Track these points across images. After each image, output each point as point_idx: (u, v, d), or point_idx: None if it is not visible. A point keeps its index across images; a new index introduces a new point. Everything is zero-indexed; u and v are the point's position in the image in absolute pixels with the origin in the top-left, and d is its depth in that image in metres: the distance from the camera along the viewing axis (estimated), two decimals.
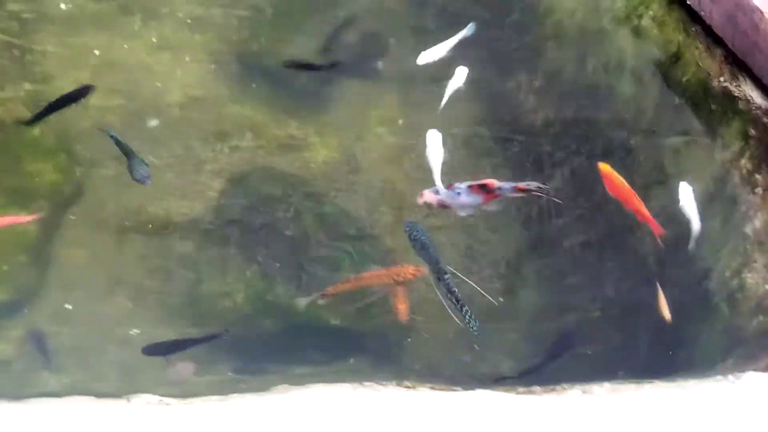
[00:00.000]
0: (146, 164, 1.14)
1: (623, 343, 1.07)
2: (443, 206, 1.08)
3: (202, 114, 1.35)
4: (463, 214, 1.11)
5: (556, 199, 1.15)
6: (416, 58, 1.42)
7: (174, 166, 1.29)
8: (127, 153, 1.14)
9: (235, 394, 0.62)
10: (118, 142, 1.14)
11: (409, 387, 0.55)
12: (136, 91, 1.34)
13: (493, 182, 1.07)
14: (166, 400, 0.67)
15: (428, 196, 1.09)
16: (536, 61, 1.44)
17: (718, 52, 1.05)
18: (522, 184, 1.06)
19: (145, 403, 0.68)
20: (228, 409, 0.55)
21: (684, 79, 1.12)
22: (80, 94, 1.24)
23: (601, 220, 1.26)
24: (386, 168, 1.37)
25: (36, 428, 0.68)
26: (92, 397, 0.74)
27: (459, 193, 1.07)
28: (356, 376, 1.09)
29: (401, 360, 1.20)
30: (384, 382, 0.53)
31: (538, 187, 1.06)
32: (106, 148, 1.22)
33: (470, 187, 1.07)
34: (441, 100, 1.36)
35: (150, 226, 1.22)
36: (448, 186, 1.08)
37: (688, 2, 1.11)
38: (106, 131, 1.17)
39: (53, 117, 1.23)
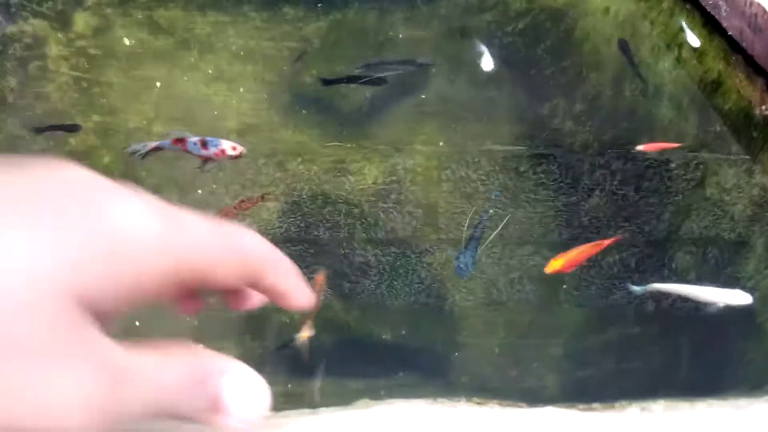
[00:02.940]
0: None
1: (667, 361, 1.10)
2: None
3: (256, 140, 1.43)
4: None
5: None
6: (453, 84, 1.48)
7: (230, 190, 1.36)
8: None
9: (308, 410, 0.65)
10: None
11: (479, 403, 0.60)
12: (195, 119, 1.41)
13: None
14: None
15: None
16: (574, 86, 1.49)
17: (760, 81, 1.09)
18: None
19: None
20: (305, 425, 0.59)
21: (725, 107, 1.15)
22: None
23: (640, 240, 1.30)
24: (429, 189, 1.42)
25: None
26: None
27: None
28: (405, 390, 1.14)
29: (448, 374, 1.24)
30: (457, 398, 0.58)
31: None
32: (167, 174, 1.29)
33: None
34: (477, 123, 1.42)
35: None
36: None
37: (729, 33, 1.14)
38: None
39: (122, 146, 1.31)
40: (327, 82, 1.49)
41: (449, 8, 1.79)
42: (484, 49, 1.42)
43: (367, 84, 1.50)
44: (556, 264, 1.06)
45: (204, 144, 1.16)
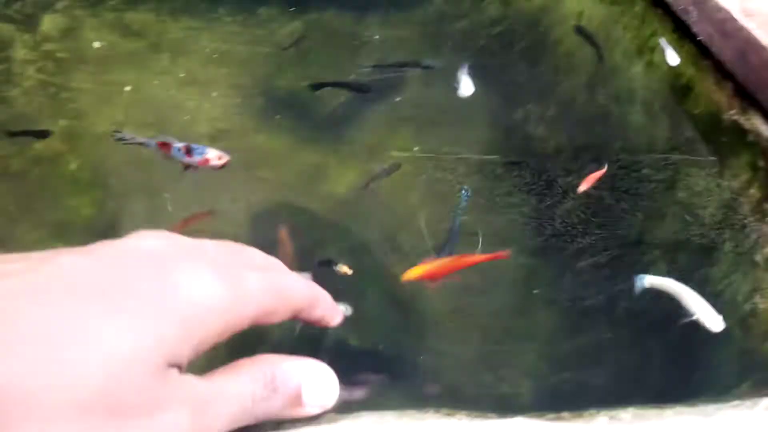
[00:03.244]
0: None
1: (638, 365, 1.11)
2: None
3: (229, 145, 1.41)
4: None
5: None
6: (428, 89, 1.48)
7: (201, 197, 1.34)
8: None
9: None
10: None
11: (449, 414, 0.59)
12: (166, 124, 1.39)
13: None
14: None
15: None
16: (548, 91, 1.50)
17: (728, 86, 1.10)
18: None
19: None
20: None
21: (696, 111, 1.16)
22: None
23: (612, 244, 1.30)
24: (404, 195, 1.42)
25: None
26: None
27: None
28: (374, 402, 1.13)
29: (420, 383, 1.23)
30: (425, 410, 0.57)
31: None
32: (138, 181, 1.27)
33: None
34: (452, 127, 1.41)
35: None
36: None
37: (699, 38, 1.15)
38: None
39: (89, 151, 1.29)
40: (316, 87, 1.48)
41: (425, 14, 1.79)
42: (465, 74, 1.42)
43: (353, 90, 1.49)
44: (414, 272, 1.04)
45: (189, 151, 1.15)
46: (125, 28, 1.52)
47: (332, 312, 0.37)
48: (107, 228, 1.29)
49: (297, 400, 0.31)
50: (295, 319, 0.35)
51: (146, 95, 1.43)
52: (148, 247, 0.31)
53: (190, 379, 0.29)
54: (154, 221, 1.25)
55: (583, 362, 1.17)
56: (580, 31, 1.47)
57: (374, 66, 1.49)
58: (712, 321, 0.91)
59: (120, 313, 0.28)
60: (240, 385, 0.30)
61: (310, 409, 0.32)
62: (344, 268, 1.13)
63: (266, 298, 0.32)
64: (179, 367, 0.29)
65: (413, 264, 1.30)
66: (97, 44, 1.46)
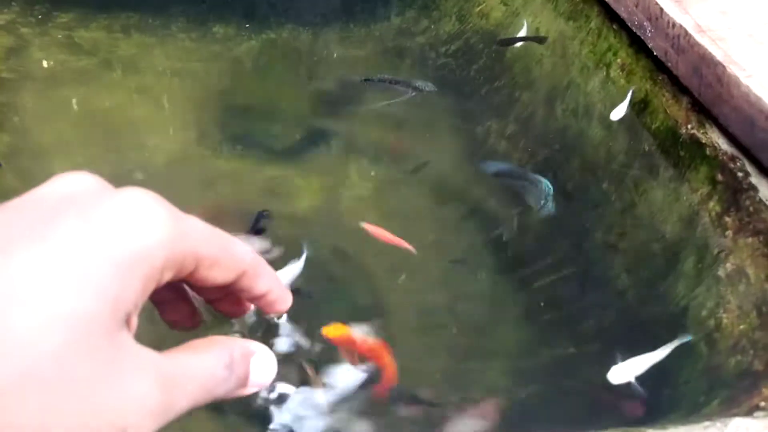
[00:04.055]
0: None
1: (604, 382, 1.10)
2: None
3: (184, 164, 1.37)
4: None
5: None
6: (387, 107, 1.47)
7: None
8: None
9: None
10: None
11: None
12: (118, 142, 1.35)
13: None
14: None
15: None
16: (507, 107, 1.50)
17: (685, 100, 1.11)
18: None
19: None
20: None
21: (653, 126, 1.17)
22: None
23: (577, 259, 1.30)
24: (366, 212, 1.40)
25: None
26: None
27: None
28: (344, 425, 1.10)
29: (388, 402, 1.21)
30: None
31: None
32: None
33: None
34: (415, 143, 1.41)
35: None
36: None
37: (654, 53, 1.16)
38: None
39: (36, 171, 1.23)
40: (368, 81, 1.44)
41: (383, 30, 1.78)
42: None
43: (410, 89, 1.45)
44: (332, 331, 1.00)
45: None
46: (75, 46, 1.47)
47: (281, 291, 0.34)
48: None
49: (245, 380, 0.31)
50: (238, 289, 0.32)
51: (97, 113, 1.38)
52: (70, 185, 0.27)
53: (149, 351, 0.27)
54: None
55: (548, 379, 1.16)
56: (504, 42, 1.47)
57: (365, 79, 1.47)
58: (680, 340, 0.91)
59: (48, 264, 0.24)
60: (204, 365, 0.29)
61: (252, 388, 0.32)
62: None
63: (210, 238, 0.30)
64: (129, 326, 0.26)
65: (374, 282, 1.28)
66: (45, 63, 1.41)
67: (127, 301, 0.26)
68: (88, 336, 0.24)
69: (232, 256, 0.31)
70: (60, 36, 1.56)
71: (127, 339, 0.26)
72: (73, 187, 0.27)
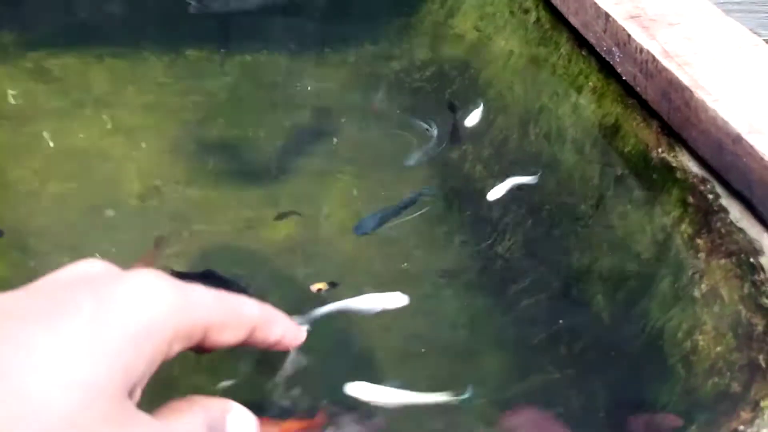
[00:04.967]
0: None
1: (584, 405, 1.11)
2: None
3: (159, 197, 1.36)
4: None
5: None
6: (364, 132, 1.47)
7: (133, 252, 1.28)
8: None
9: None
10: None
11: None
12: (92, 177, 1.33)
13: None
14: None
15: None
16: (481, 130, 1.51)
17: (655, 124, 1.13)
18: None
19: None
20: None
21: (625, 149, 1.19)
22: None
23: (554, 283, 1.31)
24: (343, 241, 1.39)
25: None
26: None
27: None
28: None
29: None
30: None
31: None
32: (59, 240, 1.20)
33: None
34: (391, 170, 1.41)
35: None
36: None
37: (624, 78, 1.19)
38: None
39: (5, 210, 1.21)
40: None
41: (359, 56, 1.80)
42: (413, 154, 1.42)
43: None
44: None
45: None
46: (46, 78, 1.46)
47: (294, 330, 0.38)
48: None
49: None
50: (252, 343, 0.36)
51: (70, 147, 1.36)
52: (82, 270, 0.32)
53: (146, 416, 0.30)
54: None
55: (531, 404, 1.16)
56: (452, 106, 1.48)
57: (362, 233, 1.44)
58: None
59: (64, 336, 0.27)
60: (189, 429, 0.31)
61: None
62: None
63: (216, 305, 0.33)
64: (133, 396, 0.29)
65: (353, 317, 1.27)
66: (13, 99, 1.40)
67: (136, 371, 0.28)
68: (101, 401, 0.27)
69: (239, 317, 0.34)
70: (30, 67, 1.55)
71: (132, 405, 0.29)
72: (86, 271, 0.32)
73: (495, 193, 1.37)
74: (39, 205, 1.26)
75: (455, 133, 1.47)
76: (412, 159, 1.43)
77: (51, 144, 1.36)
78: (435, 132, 1.48)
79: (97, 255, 1.24)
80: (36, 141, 1.36)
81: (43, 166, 1.31)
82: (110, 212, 1.30)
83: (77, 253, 1.20)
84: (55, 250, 1.23)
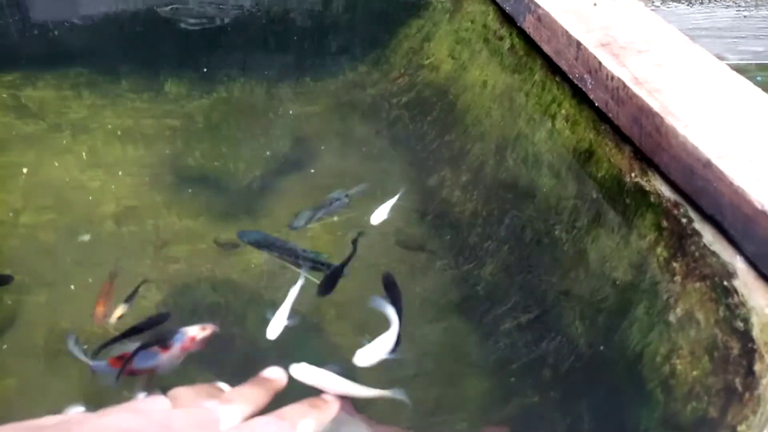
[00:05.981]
0: None
1: (567, 430, 1.11)
2: None
3: (137, 226, 1.35)
4: None
5: None
6: (343, 159, 1.48)
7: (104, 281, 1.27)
8: None
9: None
10: None
11: None
12: (68, 207, 1.32)
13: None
14: None
15: None
16: (460, 157, 1.53)
17: (627, 149, 1.15)
18: None
19: None
20: None
21: (599, 174, 1.21)
22: None
23: (533, 306, 1.31)
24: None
25: None
26: None
27: None
28: None
29: None
30: None
31: None
32: (38, 273, 1.19)
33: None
34: (369, 193, 1.41)
35: (86, 347, 1.18)
36: None
37: (596, 105, 1.21)
38: None
39: None
40: None
41: (337, 84, 1.81)
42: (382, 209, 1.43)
43: None
44: None
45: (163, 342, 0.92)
46: (22, 107, 1.45)
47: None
48: (5, 324, 1.19)
49: None
50: None
51: (46, 177, 1.35)
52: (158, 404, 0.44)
53: None
54: (58, 313, 1.16)
55: (515, 429, 1.16)
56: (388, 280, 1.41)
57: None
58: None
59: None
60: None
61: None
62: None
63: None
64: None
65: (337, 338, 1.26)
66: None
67: None
68: None
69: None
70: (5, 96, 1.54)
71: None
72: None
73: (377, 217, 1.39)
74: (15, 237, 1.24)
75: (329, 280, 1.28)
76: (301, 220, 1.42)
77: (24, 172, 1.35)
78: (347, 201, 1.49)
79: (72, 287, 1.22)
80: (12, 171, 1.35)
81: (19, 196, 1.30)
82: (86, 237, 1.28)
83: (55, 286, 1.18)
84: (30, 282, 1.22)
